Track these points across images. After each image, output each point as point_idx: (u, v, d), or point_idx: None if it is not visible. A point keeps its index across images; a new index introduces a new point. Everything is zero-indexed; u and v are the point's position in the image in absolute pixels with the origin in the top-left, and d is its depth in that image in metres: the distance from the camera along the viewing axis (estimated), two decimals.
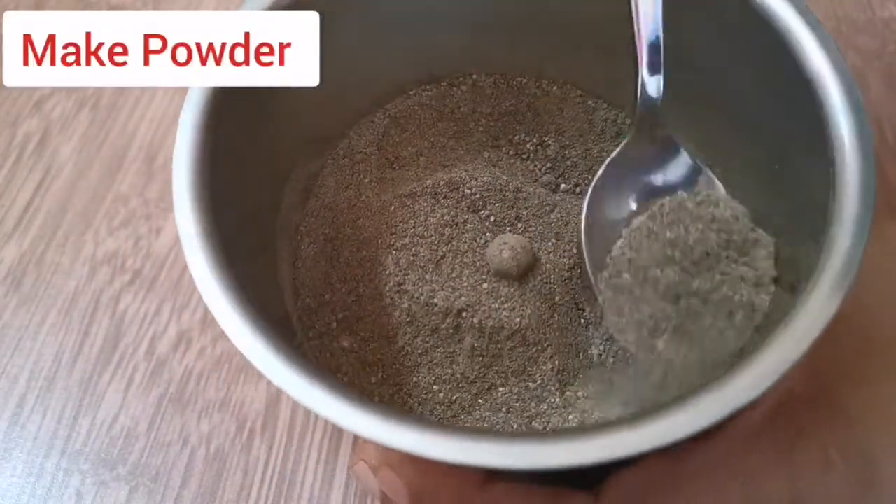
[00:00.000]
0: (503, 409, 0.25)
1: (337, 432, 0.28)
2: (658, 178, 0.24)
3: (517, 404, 0.25)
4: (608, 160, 0.25)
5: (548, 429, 0.24)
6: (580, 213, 0.24)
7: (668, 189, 0.24)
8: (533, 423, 0.24)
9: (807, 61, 0.19)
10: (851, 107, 0.18)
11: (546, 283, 0.26)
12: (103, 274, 0.31)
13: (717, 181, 0.24)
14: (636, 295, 0.22)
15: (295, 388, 0.16)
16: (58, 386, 0.29)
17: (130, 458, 0.27)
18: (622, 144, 0.25)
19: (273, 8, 0.21)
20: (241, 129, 0.21)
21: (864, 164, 0.17)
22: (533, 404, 0.25)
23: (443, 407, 0.25)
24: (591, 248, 0.24)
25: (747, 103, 0.23)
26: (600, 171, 0.25)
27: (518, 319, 0.25)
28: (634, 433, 0.15)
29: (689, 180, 0.24)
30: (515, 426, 0.24)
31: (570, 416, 0.24)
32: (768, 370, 0.15)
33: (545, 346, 0.25)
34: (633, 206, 0.24)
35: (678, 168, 0.24)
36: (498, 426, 0.24)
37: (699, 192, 0.23)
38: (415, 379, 0.25)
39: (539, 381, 0.25)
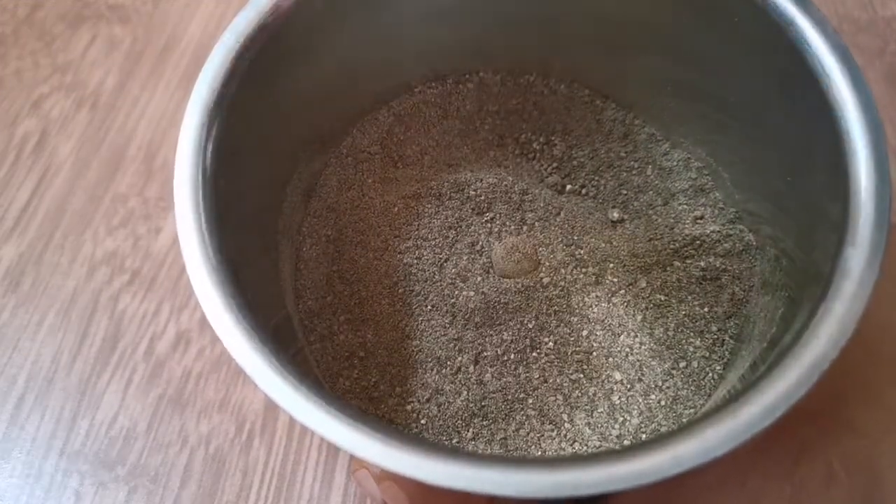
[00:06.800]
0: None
1: None
2: None
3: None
4: None
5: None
6: (586, 218, 0.23)
7: None
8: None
9: (824, 76, 0.19)
10: (868, 125, 0.18)
11: (551, 287, 0.26)
12: (102, 274, 0.31)
13: None
14: None
15: (302, 413, 0.15)
16: (56, 386, 0.29)
17: (129, 459, 0.27)
18: None
19: (274, 9, 0.21)
20: (244, 128, 0.21)
21: (880, 185, 0.17)
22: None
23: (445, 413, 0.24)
24: None
25: (761, 110, 0.23)
26: None
27: (522, 324, 0.25)
28: (638, 463, 0.14)
29: None
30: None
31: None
32: (779, 399, 0.15)
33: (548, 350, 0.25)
34: None
35: None
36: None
37: None
38: (420, 383, 0.25)
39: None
